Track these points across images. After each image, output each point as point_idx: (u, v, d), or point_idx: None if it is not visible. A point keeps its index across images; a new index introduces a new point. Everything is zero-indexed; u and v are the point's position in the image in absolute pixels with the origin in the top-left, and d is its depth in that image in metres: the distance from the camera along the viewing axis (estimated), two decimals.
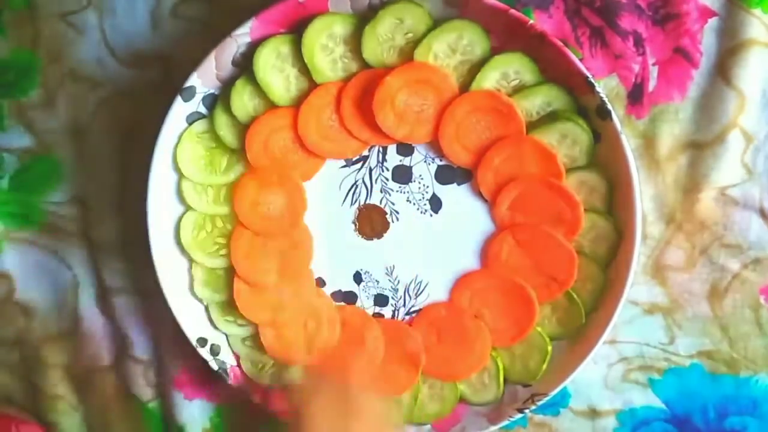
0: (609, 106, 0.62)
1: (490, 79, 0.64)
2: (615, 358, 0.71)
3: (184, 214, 0.70)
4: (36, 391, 0.77)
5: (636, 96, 0.65)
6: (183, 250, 0.70)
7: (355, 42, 0.65)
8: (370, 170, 0.69)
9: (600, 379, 0.72)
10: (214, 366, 0.71)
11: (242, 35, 0.64)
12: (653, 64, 0.64)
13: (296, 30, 0.65)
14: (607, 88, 0.65)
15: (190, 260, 0.70)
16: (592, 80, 0.62)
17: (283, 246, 0.69)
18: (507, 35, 0.63)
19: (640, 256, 0.67)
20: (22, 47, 0.70)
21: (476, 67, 0.64)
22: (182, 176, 0.68)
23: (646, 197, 0.67)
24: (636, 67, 0.64)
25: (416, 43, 0.64)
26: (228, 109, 0.66)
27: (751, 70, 0.63)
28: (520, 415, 0.69)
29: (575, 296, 0.67)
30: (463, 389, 0.71)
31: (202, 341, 0.71)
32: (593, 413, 0.73)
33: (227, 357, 0.72)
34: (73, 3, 0.68)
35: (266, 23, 0.64)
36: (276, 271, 0.69)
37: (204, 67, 0.65)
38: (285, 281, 0.69)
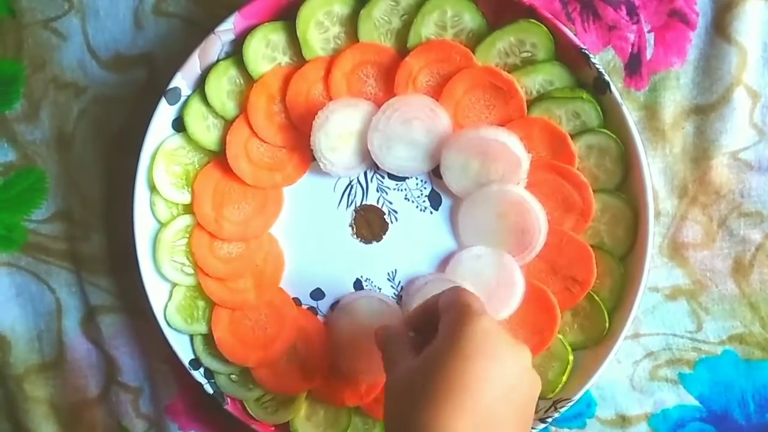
0: (606, 77, 0.60)
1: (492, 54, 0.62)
2: (640, 355, 0.67)
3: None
4: (19, 430, 0.72)
5: (634, 66, 0.64)
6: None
7: (350, 24, 0.63)
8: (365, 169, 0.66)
9: (626, 379, 0.67)
10: (209, 390, 0.66)
11: (226, 31, 0.63)
12: (649, 31, 0.63)
13: (283, 18, 0.64)
14: (603, 61, 0.64)
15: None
16: (586, 51, 0.60)
17: (256, 259, 0.66)
18: (496, 12, 0.62)
19: (655, 236, 0.63)
20: (5, 58, 0.69)
21: (474, 43, 0.63)
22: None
23: (654, 172, 0.64)
24: (631, 37, 0.63)
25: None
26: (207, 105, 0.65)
27: (750, 23, 0.62)
28: (542, 426, 0.64)
29: (596, 297, 0.63)
30: None
31: (196, 363, 0.66)
32: (623, 420, 0.68)
33: None
34: (55, 8, 0.68)
35: (250, 17, 0.63)
36: (253, 288, 0.66)
37: (188, 67, 0.63)
38: (262, 297, 0.66)
